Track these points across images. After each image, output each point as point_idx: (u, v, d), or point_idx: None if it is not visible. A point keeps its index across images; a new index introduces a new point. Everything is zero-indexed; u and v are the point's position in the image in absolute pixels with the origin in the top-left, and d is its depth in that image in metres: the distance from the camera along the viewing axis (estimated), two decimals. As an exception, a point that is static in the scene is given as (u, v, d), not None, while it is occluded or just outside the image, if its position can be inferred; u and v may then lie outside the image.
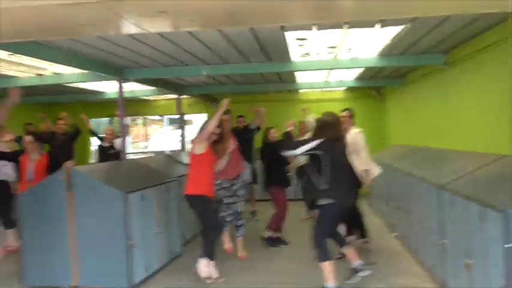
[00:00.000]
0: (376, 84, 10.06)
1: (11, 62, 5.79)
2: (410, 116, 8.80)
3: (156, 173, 6.49)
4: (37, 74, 6.87)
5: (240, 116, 7.69)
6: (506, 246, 3.12)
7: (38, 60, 5.57)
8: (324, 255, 4.35)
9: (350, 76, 8.89)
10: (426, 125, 7.70)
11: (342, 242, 4.86)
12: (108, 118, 12.99)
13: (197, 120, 13.75)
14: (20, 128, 7.86)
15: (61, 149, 7.45)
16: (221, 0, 2.87)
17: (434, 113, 7.21)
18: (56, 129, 7.81)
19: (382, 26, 4.76)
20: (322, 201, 4.40)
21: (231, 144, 5.62)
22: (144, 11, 2.90)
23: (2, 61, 5.66)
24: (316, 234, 4.42)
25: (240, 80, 8.86)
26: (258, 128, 7.23)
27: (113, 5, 2.76)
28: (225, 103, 5.08)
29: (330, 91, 11.15)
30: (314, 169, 4.45)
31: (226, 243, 5.86)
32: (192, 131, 11.03)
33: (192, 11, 3.04)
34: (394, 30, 4.97)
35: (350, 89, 11.04)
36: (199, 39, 4.99)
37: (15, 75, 6.77)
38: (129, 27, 3.22)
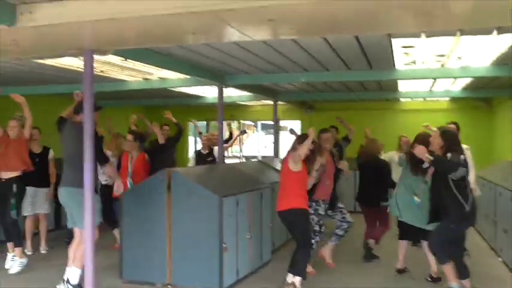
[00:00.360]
0: (486, 95, 9.38)
1: (123, 67, 6.18)
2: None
3: (250, 178, 6.56)
4: (144, 79, 7.28)
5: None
6: None
7: (146, 65, 5.90)
8: (444, 258, 4.50)
9: (457, 86, 8.37)
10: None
11: (463, 272, 4.62)
12: (205, 121, 13.49)
13: (291, 126, 13.85)
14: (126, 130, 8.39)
15: (163, 152, 7.88)
16: (329, 7, 2.80)
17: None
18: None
19: (499, 33, 4.40)
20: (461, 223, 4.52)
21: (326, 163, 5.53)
22: (253, 19, 2.93)
23: (116, 66, 6.06)
24: (438, 239, 4.52)
25: (337, 87, 8.72)
26: (349, 141, 7.04)
27: (223, 14, 2.81)
28: (310, 134, 4.91)
29: (433, 101, 10.59)
30: (449, 187, 4.37)
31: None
32: (285, 137, 11.08)
33: (300, 19, 3.01)
34: (512, 38, 4.58)
35: (455, 100, 10.40)
36: (302, 46, 4.96)
37: (125, 79, 7.23)
38: (236, 35, 3.27)
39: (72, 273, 4.71)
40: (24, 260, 5.81)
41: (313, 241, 5.58)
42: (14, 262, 5.76)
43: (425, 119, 9.81)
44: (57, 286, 4.79)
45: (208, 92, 9.31)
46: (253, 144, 18.80)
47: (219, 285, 5.02)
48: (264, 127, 24.06)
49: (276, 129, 10.16)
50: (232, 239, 5.30)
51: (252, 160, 8.65)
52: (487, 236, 7.13)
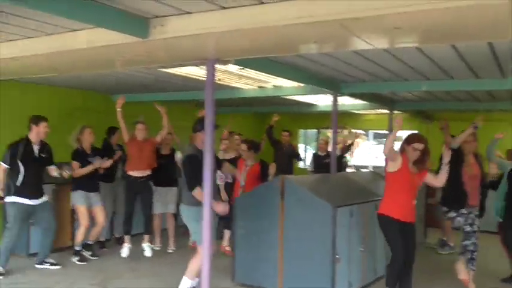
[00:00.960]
0: None
1: (240, 76, 6.37)
2: None
3: (364, 189, 6.38)
4: (259, 87, 7.44)
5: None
6: None
7: (262, 74, 6.02)
8: None
9: None
10: None
11: None
12: (315, 129, 13.43)
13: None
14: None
15: (283, 157, 8.11)
16: (461, 13, 2.61)
17: None
18: (282, 139, 8.76)
19: None
20: None
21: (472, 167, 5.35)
22: (379, 28, 2.84)
23: (233, 74, 6.27)
24: None
25: (462, 96, 8.15)
26: None
27: (348, 23, 2.75)
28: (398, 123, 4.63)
29: None
30: None
31: (462, 273, 5.39)
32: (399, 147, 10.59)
33: (428, 26, 2.85)
34: None
35: None
36: (425, 52, 4.71)
37: (240, 87, 7.45)
38: (359, 44, 3.19)
39: (183, 283, 4.86)
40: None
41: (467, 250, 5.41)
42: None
43: None
44: None
45: (321, 100, 9.25)
46: (364, 153, 18.32)
47: (330, 296, 4.95)
48: (376, 136, 23.30)
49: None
50: (345, 251, 5.19)
51: (365, 170, 8.40)
52: None
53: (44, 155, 5.91)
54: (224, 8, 3.17)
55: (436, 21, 2.75)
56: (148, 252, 6.76)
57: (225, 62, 4.43)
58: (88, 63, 4.74)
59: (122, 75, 6.53)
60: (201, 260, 4.56)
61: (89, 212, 6.42)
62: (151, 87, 7.79)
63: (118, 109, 6.57)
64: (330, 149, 8.30)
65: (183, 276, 4.85)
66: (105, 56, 4.26)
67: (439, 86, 6.45)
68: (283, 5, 2.92)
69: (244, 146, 6.54)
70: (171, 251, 7.09)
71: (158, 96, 8.32)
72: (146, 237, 6.85)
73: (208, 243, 4.37)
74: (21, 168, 5.67)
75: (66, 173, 6.05)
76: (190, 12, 3.34)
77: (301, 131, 13.82)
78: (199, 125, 4.75)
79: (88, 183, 6.38)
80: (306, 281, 5.10)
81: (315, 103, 9.73)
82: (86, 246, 6.57)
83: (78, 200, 6.37)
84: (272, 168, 6.34)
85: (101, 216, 6.50)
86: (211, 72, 4.30)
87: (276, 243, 5.29)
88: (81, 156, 6.37)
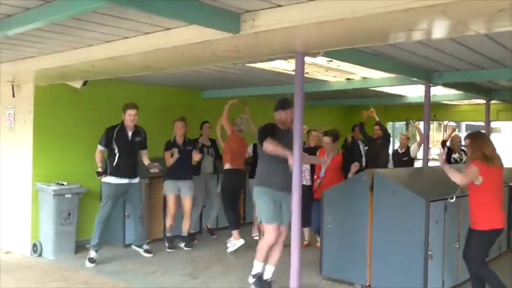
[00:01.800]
0: None
1: (328, 68, 6.31)
2: None
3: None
4: (346, 79, 7.32)
5: None
6: None
7: (350, 65, 5.91)
8: None
9: None
10: None
11: None
12: (404, 122, 12.94)
13: (506, 128, 12.39)
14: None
15: (376, 151, 7.97)
16: None
17: None
18: (373, 134, 8.58)
19: None
20: None
21: None
22: (481, 11, 2.68)
23: (321, 67, 6.22)
24: None
25: None
26: None
27: (444, 7, 2.63)
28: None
29: None
30: None
31: None
32: (500, 140, 9.95)
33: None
34: None
35: None
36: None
37: (328, 79, 7.38)
38: (457, 30, 3.03)
39: (254, 266, 4.94)
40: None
41: None
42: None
43: None
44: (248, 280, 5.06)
45: (412, 91, 8.90)
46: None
47: (423, 289, 4.78)
48: (469, 128, 22.01)
49: (489, 131, 9.17)
50: (439, 247, 4.99)
51: (460, 163, 7.97)
52: None
53: (137, 139, 6.35)
54: (312, -1, 3.15)
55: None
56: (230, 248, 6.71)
57: (314, 55, 4.42)
58: (180, 61, 4.92)
59: (212, 71, 6.73)
60: (267, 241, 4.70)
61: (178, 200, 6.84)
62: (239, 83, 7.95)
63: (226, 108, 6.98)
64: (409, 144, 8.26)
65: (255, 260, 4.91)
66: (198, 53, 4.42)
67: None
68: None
69: (328, 139, 6.39)
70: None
71: (247, 91, 8.48)
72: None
73: (297, 236, 4.40)
74: (116, 150, 6.17)
75: (155, 169, 6.39)
76: (281, 5, 3.37)
77: (390, 124, 13.39)
78: (278, 104, 4.89)
79: (177, 172, 6.75)
80: (397, 278, 4.97)
81: (405, 94, 9.39)
82: (181, 238, 6.95)
83: (167, 188, 6.82)
84: (355, 167, 6.13)
85: (186, 206, 6.83)
86: (300, 65, 4.30)
87: (365, 238, 5.21)
88: (172, 148, 6.78)
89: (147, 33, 4.21)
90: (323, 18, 3.17)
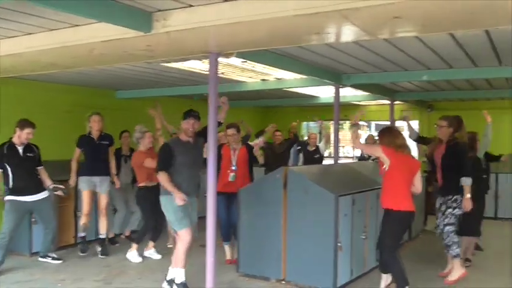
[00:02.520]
0: None
1: (243, 69, 6.43)
2: None
3: (366, 178, 6.45)
4: (262, 80, 7.49)
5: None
6: None
7: (265, 66, 6.07)
8: None
9: None
10: None
11: None
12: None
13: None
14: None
15: (278, 158, 8.12)
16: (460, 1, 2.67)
17: None
18: (274, 140, 8.71)
19: None
20: None
21: None
22: (379, 18, 2.89)
23: (236, 68, 6.32)
24: None
25: (461, 85, 8.21)
26: None
27: (348, 13, 2.81)
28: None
29: None
30: None
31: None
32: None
33: (427, 15, 2.90)
34: None
35: None
36: (425, 42, 4.76)
37: (244, 80, 7.50)
38: (360, 34, 3.25)
39: (174, 273, 4.95)
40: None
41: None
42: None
43: None
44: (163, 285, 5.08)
45: (322, 92, 9.30)
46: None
47: (332, 284, 5.03)
48: (378, 128, 23.40)
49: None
50: (347, 239, 5.27)
51: (368, 161, 8.47)
52: None
53: (30, 154, 5.94)
54: (226, 0, 3.22)
55: (435, 9, 2.81)
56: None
57: (227, 55, 4.49)
58: (89, 58, 4.78)
59: (125, 71, 6.58)
60: (183, 245, 4.79)
61: (94, 197, 6.52)
62: (155, 83, 7.84)
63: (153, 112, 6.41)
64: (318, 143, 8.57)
65: (174, 268, 4.93)
66: (108, 51, 4.31)
67: (439, 76, 6.50)
68: (283, -4, 2.97)
69: (233, 130, 6.08)
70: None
71: (163, 92, 8.38)
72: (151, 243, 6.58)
73: (213, 235, 4.47)
74: (9, 171, 5.79)
75: (60, 193, 6.15)
76: (192, 5, 3.40)
77: (304, 123, 13.87)
78: (184, 114, 4.92)
79: (93, 167, 6.44)
80: (309, 269, 5.18)
81: (316, 95, 9.78)
82: (99, 241, 6.62)
83: (82, 184, 6.44)
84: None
85: (102, 203, 6.54)
86: (214, 65, 4.36)
87: (279, 233, 5.37)
88: (87, 143, 6.45)
89: (54, 29, 4.05)
90: (235, 19, 3.25)
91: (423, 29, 3.62)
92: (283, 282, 5.34)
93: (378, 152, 4.76)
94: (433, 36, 4.45)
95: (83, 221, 6.47)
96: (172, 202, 4.76)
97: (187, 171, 4.86)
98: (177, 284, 4.89)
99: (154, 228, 6.43)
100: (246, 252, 5.66)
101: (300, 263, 5.26)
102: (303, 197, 5.25)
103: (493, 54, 5.34)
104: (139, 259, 6.31)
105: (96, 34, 3.83)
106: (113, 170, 6.70)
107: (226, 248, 6.21)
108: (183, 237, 4.81)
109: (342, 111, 7.94)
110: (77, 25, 3.90)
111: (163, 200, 4.90)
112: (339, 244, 5.07)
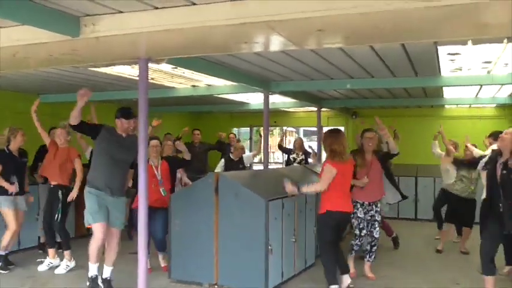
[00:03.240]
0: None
1: (173, 75, 6.45)
2: None
3: (296, 183, 6.66)
4: (192, 86, 7.54)
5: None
6: None
7: (195, 72, 6.13)
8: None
9: (504, 93, 8.20)
10: None
11: None
12: (249, 128, 13.71)
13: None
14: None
15: (197, 157, 8.15)
16: (376, 16, 2.89)
17: None
18: (193, 138, 8.89)
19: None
20: None
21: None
22: (303, 30, 3.06)
23: (166, 74, 6.33)
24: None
25: (382, 93, 8.73)
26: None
27: (274, 24, 2.95)
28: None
29: (479, 108, 10.41)
30: None
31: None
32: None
33: (348, 28, 3.12)
34: None
35: (502, 106, 10.16)
36: (348, 53, 5.05)
37: (174, 86, 7.50)
38: (286, 45, 3.41)
39: (90, 268, 5.05)
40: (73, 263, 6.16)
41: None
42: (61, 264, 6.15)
43: (470, 126, 9.80)
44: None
45: (253, 99, 9.50)
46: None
47: (264, 286, 5.16)
48: (306, 133, 24.20)
49: (320, 136, 10.20)
50: (278, 242, 5.43)
51: (296, 165, 8.74)
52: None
53: None
54: (157, 8, 3.26)
55: (358, 23, 3.02)
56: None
57: (157, 61, 4.51)
58: (14, 62, 4.59)
59: (51, 74, 6.37)
60: (95, 240, 4.85)
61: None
62: (82, 87, 7.60)
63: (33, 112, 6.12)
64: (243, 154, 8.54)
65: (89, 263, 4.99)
66: (33, 54, 4.18)
67: (362, 84, 6.90)
68: (213, 6, 3.07)
69: (155, 142, 6.08)
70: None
71: (91, 96, 8.14)
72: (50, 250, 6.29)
73: (144, 242, 4.45)
74: None
75: None
76: (122, 12, 3.40)
77: (235, 129, 14.04)
78: (120, 112, 4.99)
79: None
80: (241, 272, 5.28)
81: (247, 101, 9.96)
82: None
83: (3, 204, 6.05)
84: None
85: (20, 220, 6.24)
86: (144, 71, 4.35)
87: (211, 238, 5.42)
88: (6, 159, 6.09)
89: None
90: (166, 26, 3.30)
91: (347, 41, 3.87)
92: (216, 286, 5.40)
93: (332, 173, 4.97)
94: (355, 48, 4.74)
95: (7, 240, 6.10)
96: (88, 194, 4.83)
97: (114, 169, 4.90)
98: (88, 277, 5.02)
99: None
100: (179, 257, 5.65)
101: (232, 266, 5.34)
102: (234, 202, 5.35)
103: (409, 65, 5.76)
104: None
105: (20, 37, 3.71)
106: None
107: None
108: (95, 232, 4.84)
109: (272, 117, 8.16)
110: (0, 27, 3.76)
111: (87, 190, 4.92)
112: (269, 247, 5.21)
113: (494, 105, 10.03)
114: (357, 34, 3.36)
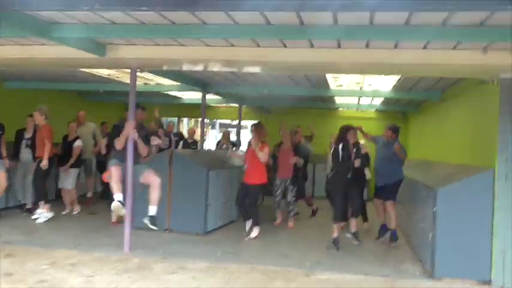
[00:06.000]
0: (400, 109, 12.28)
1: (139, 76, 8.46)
2: (421, 136, 11.00)
3: (223, 161, 9.02)
4: (144, 83, 9.56)
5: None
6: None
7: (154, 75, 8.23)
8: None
9: (377, 101, 11.16)
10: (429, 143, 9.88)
11: None
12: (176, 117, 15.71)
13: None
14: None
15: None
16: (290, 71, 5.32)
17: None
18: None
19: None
20: None
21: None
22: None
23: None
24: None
25: (290, 97, 11.25)
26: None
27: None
28: None
29: (363, 111, 13.38)
30: None
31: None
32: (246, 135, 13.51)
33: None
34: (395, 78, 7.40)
35: (379, 110, 13.21)
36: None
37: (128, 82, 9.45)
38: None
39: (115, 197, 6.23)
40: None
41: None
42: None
43: (357, 124, 12.62)
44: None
45: (188, 95, 11.61)
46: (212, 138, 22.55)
47: (203, 229, 7.45)
48: (222, 126, 26.70)
49: (239, 127, 12.67)
50: (214, 200, 7.72)
51: (222, 148, 11.07)
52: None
53: None
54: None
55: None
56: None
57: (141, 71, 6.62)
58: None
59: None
60: (113, 178, 6.18)
61: None
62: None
63: None
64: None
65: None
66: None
67: (275, 91, 9.37)
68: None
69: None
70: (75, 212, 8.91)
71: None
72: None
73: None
74: None
75: None
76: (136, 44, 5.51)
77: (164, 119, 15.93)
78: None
79: None
80: (187, 221, 7.47)
81: (182, 96, 12.03)
82: None
83: None
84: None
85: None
86: (133, 76, 6.43)
87: (165, 196, 7.51)
88: None
89: None
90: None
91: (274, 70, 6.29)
92: (167, 230, 7.50)
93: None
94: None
95: None
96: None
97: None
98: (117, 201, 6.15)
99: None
100: (139, 210, 7.41)
101: (180, 215, 7.49)
102: (184, 172, 7.52)
103: (308, 82, 8.34)
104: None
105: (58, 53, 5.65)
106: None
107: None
108: (112, 172, 6.16)
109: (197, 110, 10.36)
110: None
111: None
112: (208, 203, 7.50)
113: (374, 109, 13.06)
114: (281, 68, 5.78)
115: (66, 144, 8.80)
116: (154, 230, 6.45)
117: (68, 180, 8.70)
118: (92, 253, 6.03)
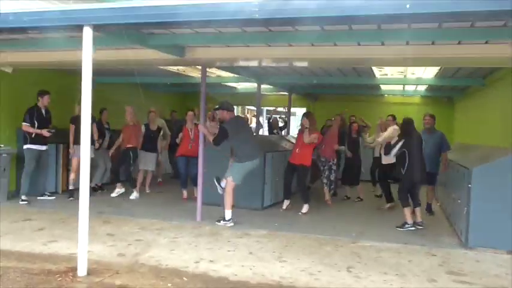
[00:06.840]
0: (445, 95, 12.78)
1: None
2: (465, 120, 11.50)
3: (275, 145, 9.97)
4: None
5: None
6: (469, 188, 6.16)
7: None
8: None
9: (422, 88, 11.74)
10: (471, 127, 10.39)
11: None
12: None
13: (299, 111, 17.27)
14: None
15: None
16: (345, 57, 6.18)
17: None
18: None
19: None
20: None
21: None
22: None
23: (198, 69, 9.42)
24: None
25: (337, 86, 12.04)
26: None
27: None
28: None
29: (409, 97, 13.89)
30: None
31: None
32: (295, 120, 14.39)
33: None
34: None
35: (424, 96, 13.70)
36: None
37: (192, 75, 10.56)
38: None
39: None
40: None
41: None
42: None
43: (403, 110, 13.14)
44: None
45: (243, 85, 12.60)
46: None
47: (261, 205, 8.45)
48: (269, 113, 27.65)
49: (289, 114, 13.61)
50: (269, 180, 8.70)
51: (275, 135, 12.03)
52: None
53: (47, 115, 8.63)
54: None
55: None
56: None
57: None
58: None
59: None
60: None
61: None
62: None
63: None
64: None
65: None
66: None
67: (324, 80, 10.20)
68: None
69: (191, 113, 9.55)
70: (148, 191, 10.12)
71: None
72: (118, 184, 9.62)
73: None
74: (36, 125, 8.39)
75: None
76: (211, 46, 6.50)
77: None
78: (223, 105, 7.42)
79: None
80: (247, 198, 8.39)
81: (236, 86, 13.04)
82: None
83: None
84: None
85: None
86: (204, 73, 7.44)
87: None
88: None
89: None
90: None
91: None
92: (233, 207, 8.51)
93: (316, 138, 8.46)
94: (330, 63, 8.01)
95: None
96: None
97: None
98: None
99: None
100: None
101: (241, 193, 8.40)
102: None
103: (354, 71, 9.11)
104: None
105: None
106: None
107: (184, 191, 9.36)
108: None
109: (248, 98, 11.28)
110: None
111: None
112: (265, 182, 8.48)
113: (419, 96, 13.59)
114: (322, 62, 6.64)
115: (150, 132, 9.82)
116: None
117: (152, 163, 9.91)
118: (170, 222, 7.18)
